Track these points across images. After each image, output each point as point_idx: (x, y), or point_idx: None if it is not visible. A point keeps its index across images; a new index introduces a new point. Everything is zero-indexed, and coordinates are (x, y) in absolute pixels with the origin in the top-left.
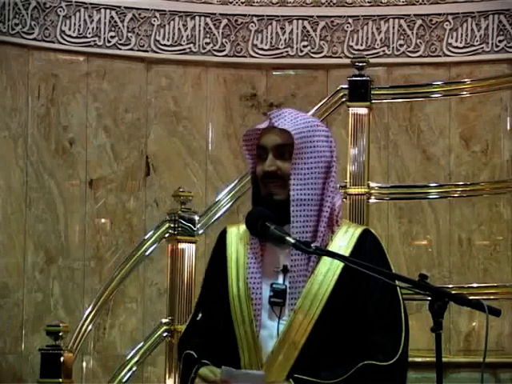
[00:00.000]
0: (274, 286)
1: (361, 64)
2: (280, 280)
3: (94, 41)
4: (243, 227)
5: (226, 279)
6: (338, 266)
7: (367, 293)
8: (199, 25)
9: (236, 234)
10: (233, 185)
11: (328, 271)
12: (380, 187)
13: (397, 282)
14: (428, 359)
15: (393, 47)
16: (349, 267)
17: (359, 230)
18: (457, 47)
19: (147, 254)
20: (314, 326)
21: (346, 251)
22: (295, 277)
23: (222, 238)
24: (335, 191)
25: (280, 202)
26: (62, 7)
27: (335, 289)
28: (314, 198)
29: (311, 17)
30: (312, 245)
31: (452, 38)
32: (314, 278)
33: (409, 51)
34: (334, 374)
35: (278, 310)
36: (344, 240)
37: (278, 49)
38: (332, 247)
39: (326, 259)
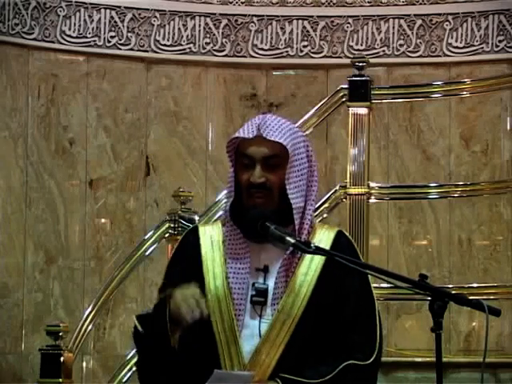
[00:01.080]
0: (256, 285)
1: (361, 64)
2: (261, 279)
3: (94, 41)
4: (217, 226)
5: (200, 278)
6: (318, 265)
7: (345, 292)
8: (199, 25)
9: (209, 233)
10: None
11: (308, 271)
12: (380, 187)
13: (395, 282)
14: (428, 359)
15: (393, 47)
16: (328, 267)
17: (333, 232)
18: (457, 47)
19: (147, 254)
20: (296, 325)
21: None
22: (279, 277)
23: (193, 236)
24: (315, 194)
25: (265, 213)
26: (61, 7)
27: (316, 288)
28: (302, 206)
29: (311, 17)
30: (312, 245)
31: (452, 38)
32: (295, 277)
33: (409, 51)
34: (318, 373)
35: (259, 310)
36: (320, 241)
37: (278, 49)
38: None
39: (306, 259)
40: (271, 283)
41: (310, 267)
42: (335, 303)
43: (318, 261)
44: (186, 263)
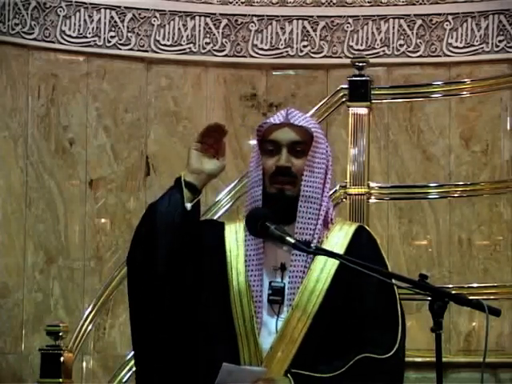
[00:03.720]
0: (272, 283)
1: (361, 64)
2: (278, 278)
3: (94, 41)
4: (241, 224)
5: (225, 273)
6: (334, 262)
7: (363, 289)
8: (199, 25)
9: (234, 231)
10: (233, 185)
11: (324, 267)
12: (380, 187)
13: (394, 281)
14: (428, 359)
15: (393, 47)
16: (345, 263)
17: (354, 227)
18: (457, 47)
19: None
20: (311, 322)
21: (341, 248)
22: (294, 275)
23: (221, 231)
24: (329, 189)
25: (291, 199)
26: (61, 7)
27: (331, 285)
28: (317, 197)
29: (311, 17)
30: (312, 244)
31: (452, 38)
32: (310, 274)
33: (409, 51)
34: (332, 367)
35: (276, 308)
36: (339, 237)
37: (278, 49)
38: (327, 244)
39: (321, 256)
40: (288, 281)
41: (326, 263)
42: (352, 299)
43: (340, 241)
44: (213, 257)
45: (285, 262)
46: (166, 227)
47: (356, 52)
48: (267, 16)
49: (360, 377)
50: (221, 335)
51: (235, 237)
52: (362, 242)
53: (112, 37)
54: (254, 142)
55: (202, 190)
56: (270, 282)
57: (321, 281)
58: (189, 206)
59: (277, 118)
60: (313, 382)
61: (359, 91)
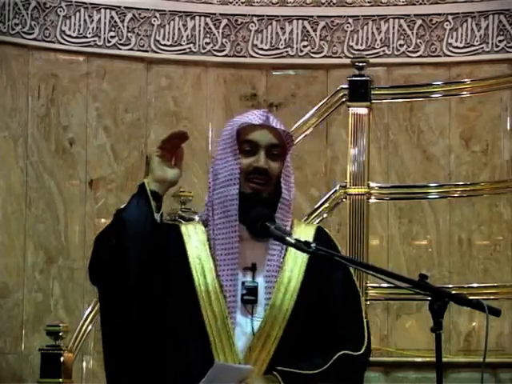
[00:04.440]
0: (246, 284)
1: (361, 64)
2: (249, 277)
3: (94, 41)
4: (198, 226)
5: (190, 276)
6: (303, 259)
7: (332, 286)
8: (199, 25)
9: (193, 232)
10: None
11: (294, 266)
12: (380, 187)
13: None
14: (428, 359)
15: (393, 47)
16: (312, 260)
17: (314, 228)
18: (457, 47)
19: None
20: (288, 321)
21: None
22: (270, 274)
23: (178, 234)
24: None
25: (266, 200)
26: (61, 7)
27: (303, 282)
28: (291, 200)
29: (311, 17)
30: (312, 245)
31: (452, 38)
32: (283, 273)
33: (409, 51)
34: (313, 365)
35: (250, 308)
36: (302, 238)
37: (278, 49)
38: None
39: (291, 254)
40: (260, 281)
41: (296, 262)
42: (322, 297)
43: (303, 254)
44: (172, 262)
45: (256, 262)
46: (135, 238)
47: (356, 52)
48: (267, 16)
49: (341, 373)
50: (192, 340)
51: (196, 238)
52: (322, 242)
53: (112, 37)
54: (224, 138)
55: (163, 199)
56: (243, 283)
57: (293, 279)
58: (158, 216)
59: (256, 118)
60: (298, 378)
61: (359, 91)
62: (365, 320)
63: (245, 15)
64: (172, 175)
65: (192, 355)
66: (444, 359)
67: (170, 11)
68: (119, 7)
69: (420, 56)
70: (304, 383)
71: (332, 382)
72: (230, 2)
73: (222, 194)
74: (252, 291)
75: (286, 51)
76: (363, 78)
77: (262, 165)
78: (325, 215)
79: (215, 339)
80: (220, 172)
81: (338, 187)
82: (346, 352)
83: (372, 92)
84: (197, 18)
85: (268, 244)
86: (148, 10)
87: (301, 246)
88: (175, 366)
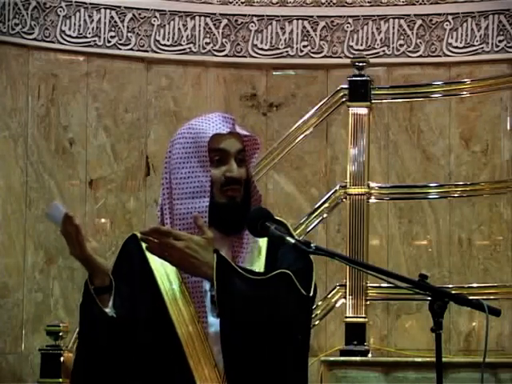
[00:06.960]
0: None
1: (361, 64)
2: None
3: (94, 41)
4: None
5: (153, 284)
6: (262, 250)
7: (282, 261)
8: (199, 25)
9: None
10: None
11: (256, 258)
12: (380, 187)
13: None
14: (428, 359)
15: (393, 47)
16: (270, 249)
17: None
18: (457, 47)
19: None
20: None
21: (262, 244)
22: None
23: (135, 244)
24: None
25: (239, 207)
26: (62, 7)
27: (265, 272)
28: (261, 199)
29: (311, 17)
30: (312, 244)
31: (452, 38)
32: (245, 266)
33: (409, 51)
34: (254, 274)
35: None
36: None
37: (278, 49)
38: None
39: (252, 247)
40: None
41: (260, 253)
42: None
43: (263, 245)
44: (132, 271)
45: None
46: (98, 343)
47: (356, 52)
48: (267, 16)
49: (279, 286)
50: (166, 350)
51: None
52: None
53: (112, 37)
54: (183, 144)
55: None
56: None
57: (256, 270)
58: (111, 312)
59: (223, 127)
60: (234, 273)
61: (359, 91)
62: (313, 283)
63: (245, 15)
64: (98, 249)
65: (167, 366)
66: (444, 359)
67: (169, 11)
68: (119, 7)
69: (420, 56)
70: (240, 281)
71: (268, 291)
72: (230, 2)
73: (187, 206)
74: None
75: (286, 51)
76: (363, 78)
77: (235, 175)
78: (325, 215)
79: (187, 344)
80: (184, 182)
81: (338, 187)
82: (288, 272)
83: (372, 92)
84: (197, 17)
85: (231, 241)
86: (148, 10)
87: (301, 246)
88: (150, 380)
